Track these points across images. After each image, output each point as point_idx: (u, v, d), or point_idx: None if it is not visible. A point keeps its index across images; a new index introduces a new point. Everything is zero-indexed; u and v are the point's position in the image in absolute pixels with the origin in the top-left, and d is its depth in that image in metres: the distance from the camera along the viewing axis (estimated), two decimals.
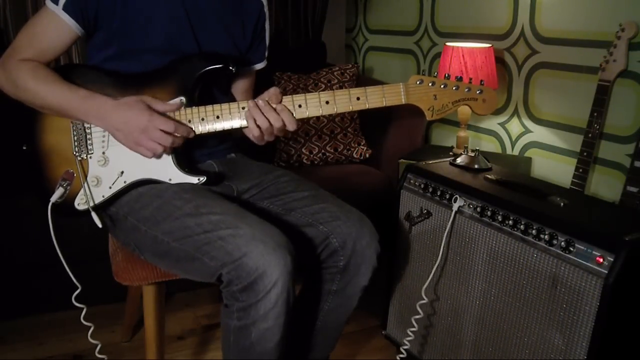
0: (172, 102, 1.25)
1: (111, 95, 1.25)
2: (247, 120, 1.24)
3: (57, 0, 1.22)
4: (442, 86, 1.26)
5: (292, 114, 1.24)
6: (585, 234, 1.19)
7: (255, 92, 1.55)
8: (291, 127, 1.25)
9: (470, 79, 1.29)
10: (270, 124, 1.23)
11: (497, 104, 1.29)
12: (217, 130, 1.26)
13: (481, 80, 1.28)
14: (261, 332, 1.11)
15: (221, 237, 1.11)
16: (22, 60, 1.24)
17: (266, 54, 1.51)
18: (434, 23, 2.57)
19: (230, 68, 1.27)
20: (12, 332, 1.86)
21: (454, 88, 1.26)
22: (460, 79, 1.27)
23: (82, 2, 1.22)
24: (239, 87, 1.50)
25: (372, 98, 1.25)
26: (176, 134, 1.21)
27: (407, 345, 1.55)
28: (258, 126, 1.24)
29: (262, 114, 1.23)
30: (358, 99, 1.25)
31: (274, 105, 1.23)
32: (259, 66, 1.51)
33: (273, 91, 1.24)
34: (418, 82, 1.26)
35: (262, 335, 1.12)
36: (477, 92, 1.27)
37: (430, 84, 1.26)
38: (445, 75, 1.27)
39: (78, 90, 1.23)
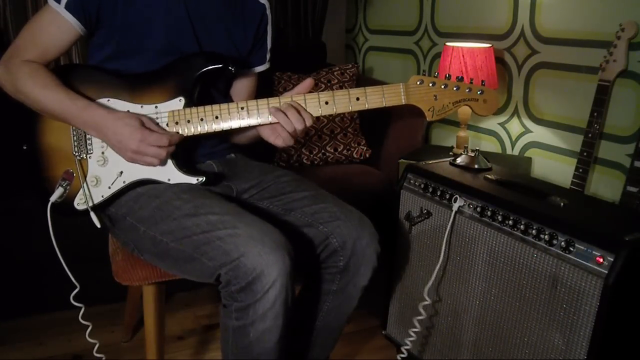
0: (169, 114, 1.25)
1: (111, 96, 1.25)
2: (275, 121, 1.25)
3: None
4: (442, 86, 1.25)
5: (305, 109, 1.24)
6: (585, 234, 1.19)
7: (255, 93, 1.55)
8: (308, 121, 1.24)
9: (471, 79, 1.28)
10: (293, 125, 1.23)
11: (498, 104, 1.28)
12: (215, 130, 1.26)
13: (482, 81, 1.28)
14: (260, 332, 1.11)
15: (219, 237, 1.11)
16: (25, 62, 1.24)
17: (268, 56, 1.50)
18: (434, 23, 2.57)
19: (230, 68, 1.27)
20: (12, 332, 1.86)
21: (454, 88, 1.26)
22: (461, 79, 1.26)
23: (84, 1, 1.22)
24: (242, 91, 1.49)
25: (372, 98, 1.25)
26: (170, 145, 1.22)
27: (408, 345, 1.55)
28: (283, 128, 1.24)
29: (285, 115, 1.23)
30: (358, 99, 1.25)
31: (292, 104, 1.24)
32: (260, 68, 1.50)
33: (309, 81, 1.25)
34: (418, 83, 1.25)
35: (261, 335, 1.12)
36: (478, 92, 1.26)
37: (430, 85, 1.25)
38: (445, 75, 1.26)
39: (77, 100, 1.22)
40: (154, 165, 1.24)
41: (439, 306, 1.57)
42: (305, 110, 1.24)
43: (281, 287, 1.09)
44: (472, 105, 1.27)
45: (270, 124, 1.26)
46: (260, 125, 1.27)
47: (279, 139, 1.27)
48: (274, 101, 1.25)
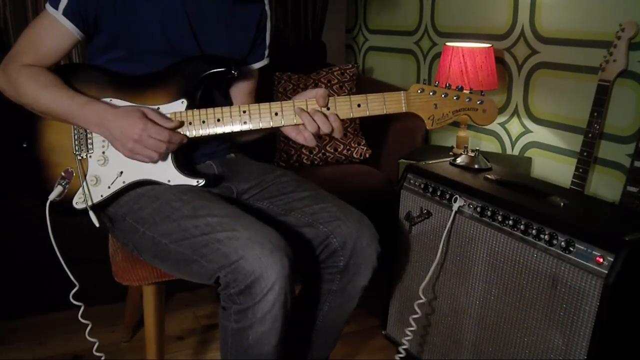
0: (171, 116, 1.24)
1: (113, 96, 1.25)
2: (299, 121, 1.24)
3: (57, 5, 1.21)
4: (442, 95, 1.26)
5: (341, 124, 1.24)
6: (585, 234, 1.19)
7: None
8: (338, 134, 1.24)
9: (471, 89, 1.29)
10: (319, 128, 1.23)
11: (497, 114, 1.29)
12: (217, 133, 1.26)
13: (482, 91, 1.28)
14: (259, 334, 1.11)
15: (219, 240, 1.11)
16: (24, 66, 1.23)
17: (267, 52, 1.50)
18: (434, 23, 2.57)
19: (233, 72, 1.27)
20: (12, 332, 1.86)
21: (454, 98, 1.26)
22: (461, 89, 1.27)
23: (82, 7, 1.21)
24: (242, 89, 1.49)
25: (372, 105, 1.26)
26: (170, 142, 1.21)
27: (405, 345, 1.55)
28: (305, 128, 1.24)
29: (312, 118, 1.22)
30: (359, 106, 1.26)
31: (325, 111, 1.23)
32: (260, 64, 1.50)
33: (322, 92, 1.23)
34: (419, 91, 1.26)
35: (260, 337, 1.12)
36: (478, 102, 1.27)
37: (431, 93, 1.26)
38: (446, 84, 1.27)
39: (78, 97, 1.22)
40: (154, 161, 1.24)
41: (439, 306, 1.57)
42: (339, 119, 1.24)
43: (280, 290, 1.09)
44: (472, 115, 1.28)
45: (271, 128, 1.26)
46: (261, 129, 1.26)
47: (300, 136, 1.26)
48: (275, 105, 1.25)
